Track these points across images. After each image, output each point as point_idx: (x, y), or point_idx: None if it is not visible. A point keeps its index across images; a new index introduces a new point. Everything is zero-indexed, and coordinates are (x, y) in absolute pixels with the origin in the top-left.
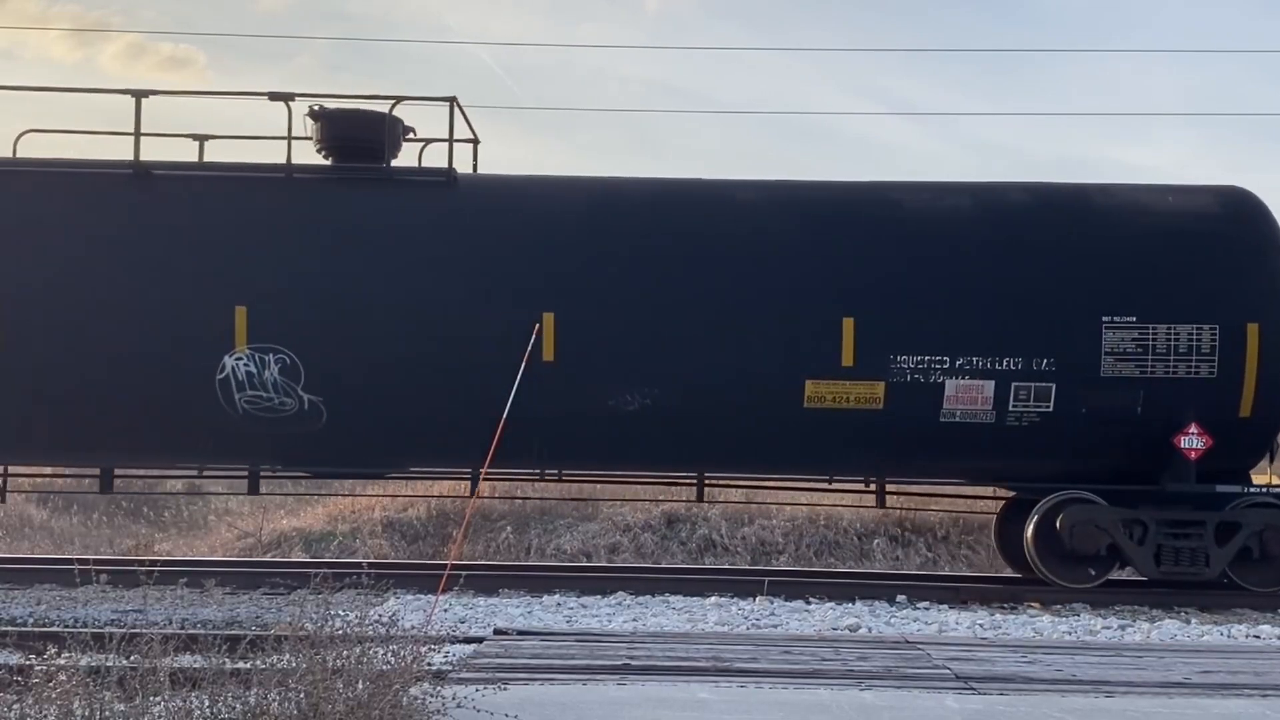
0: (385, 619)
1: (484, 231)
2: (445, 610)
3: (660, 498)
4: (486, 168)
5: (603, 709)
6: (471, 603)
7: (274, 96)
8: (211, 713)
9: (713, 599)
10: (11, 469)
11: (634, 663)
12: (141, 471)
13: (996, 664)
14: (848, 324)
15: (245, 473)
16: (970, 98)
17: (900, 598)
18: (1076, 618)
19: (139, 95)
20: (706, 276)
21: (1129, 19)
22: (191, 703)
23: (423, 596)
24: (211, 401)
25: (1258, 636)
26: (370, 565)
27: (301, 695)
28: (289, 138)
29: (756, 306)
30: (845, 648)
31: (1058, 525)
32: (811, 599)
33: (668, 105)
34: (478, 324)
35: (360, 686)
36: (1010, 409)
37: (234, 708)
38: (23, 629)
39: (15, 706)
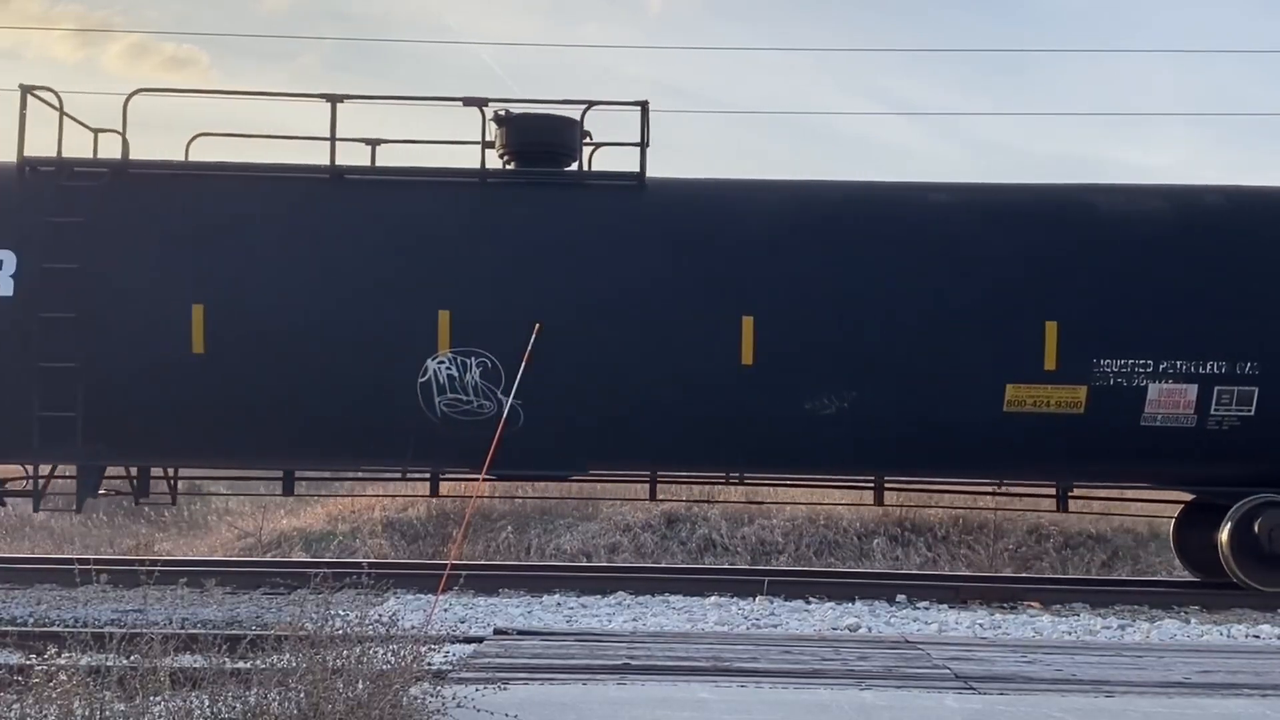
0: (385, 619)
1: (676, 234)
2: (445, 610)
3: (660, 497)
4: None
5: (603, 709)
6: (471, 603)
7: (468, 102)
8: (211, 713)
9: (713, 599)
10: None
11: (634, 663)
12: (315, 474)
13: (996, 664)
14: (1050, 327)
15: (415, 473)
16: (970, 98)
17: (900, 597)
18: (1076, 618)
19: (334, 100)
20: (904, 279)
21: (1129, 19)
22: (191, 703)
23: (423, 596)
24: (411, 405)
25: (1258, 636)
26: (370, 565)
27: (301, 695)
28: (482, 143)
29: (955, 310)
30: (845, 647)
31: (1255, 529)
32: (811, 599)
33: (670, 105)
34: (675, 326)
35: (360, 686)
36: (1212, 413)
37: (234, 708)
38: (23, 629)
39: (15, 706)
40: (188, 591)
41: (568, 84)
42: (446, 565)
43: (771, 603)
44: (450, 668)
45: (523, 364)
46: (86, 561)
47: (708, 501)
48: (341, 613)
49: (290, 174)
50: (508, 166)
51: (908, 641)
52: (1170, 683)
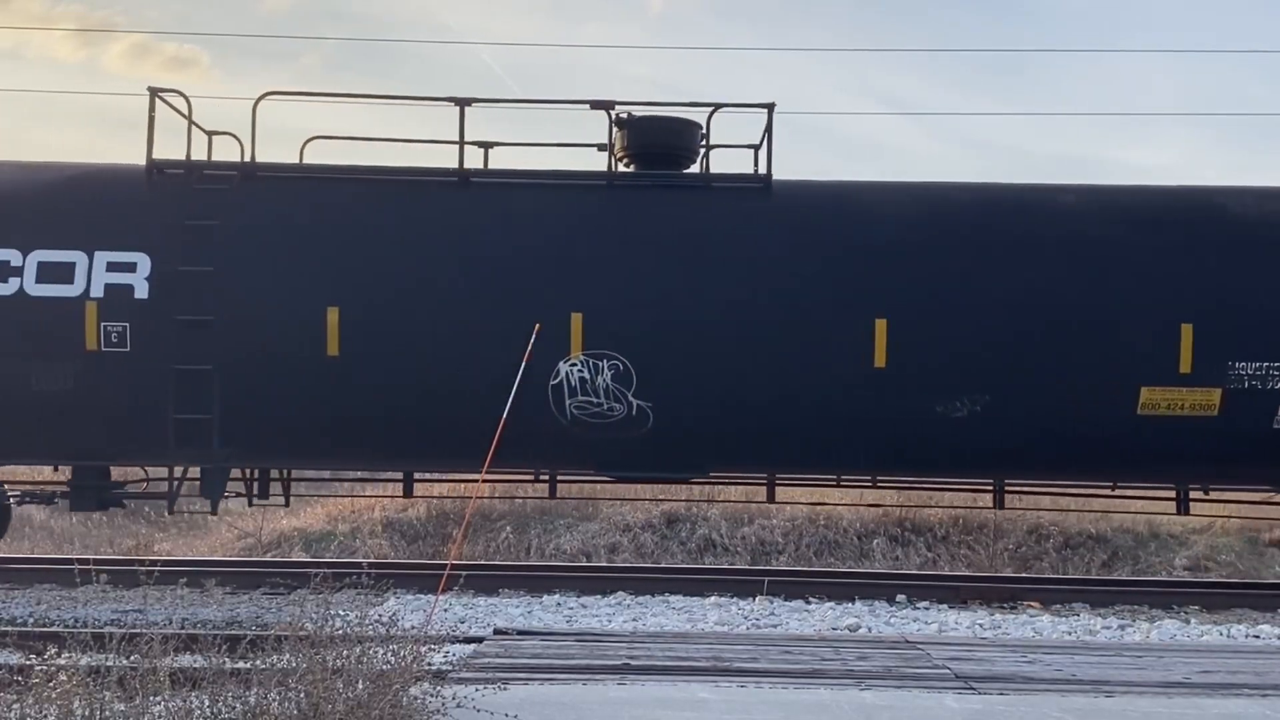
0: (385, 619)
1: (804, 236)
2: (445, 610)
3: (660, 497)
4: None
5: (603, 709)
6: (471, 603)
7: (595, 105)
8: (211, 713)
9: (713, 599)
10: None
11: (634, 663)
12: (438, 476)
13: (996, 664)
14: (1186, 330)
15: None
16: (971, 97)
17: (900, 597)
18: (1076, 618)
19: (462, 104)
20: (1036, 281)
21: (1129, 19)
22: (191, 703)
23: (423, 596)
24: (541, 407)
25: (1258, 636)
26: (370, 565)
27: (301, 695)
28: (609, 147)
29: (1089, 312)
30: (845, 648)
31: None
32: (811, 599)
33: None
34: (805, 329)
35: (360, 686)
36: None
37: (234, 708)
38: (23, 629)
39: (15, 706)
40: (188, 591)
41: (569, 84)
42: (446, 565)
43: (771, 603)
44: (450, 668)
45: (523, 364)
46: (86, 561)
47: (708, 501)
48: (341, 613)
49: (417, 177)
50: (627, 169)
51: (908, 641)
52: (1170, 683)
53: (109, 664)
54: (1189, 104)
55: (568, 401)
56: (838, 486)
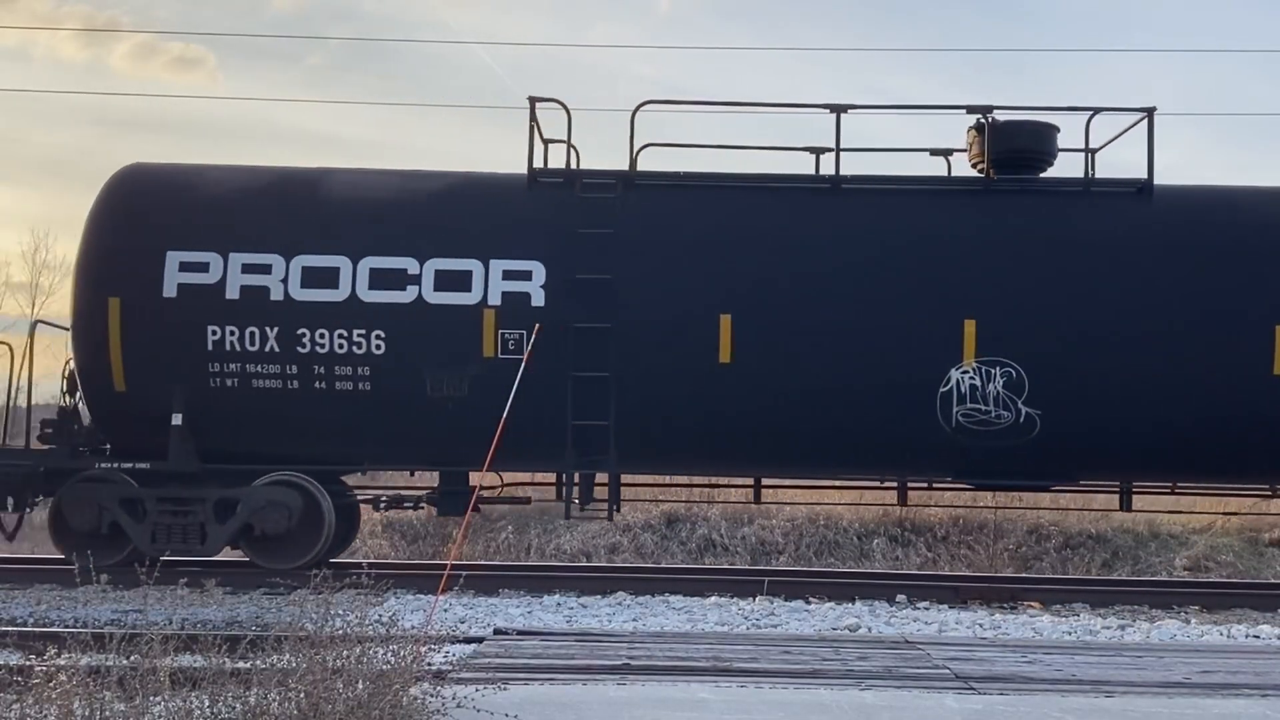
0: (385, 619)
1: (1190, 243)
2: (445, 610)
3: (660, 498)
4: (490, 168)
5: (603, 709)
6: (471, 603)
7: (972, 109)
8: (211, 713)
9: (713, 599)
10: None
11: (634, 663)
12: (789, 482)
13: (996, 664)
14: None
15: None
16: (971, 97)
17: (900, 598)
18: (1076, 618)
19: (838, 110)
20: None
21: (1129, 18)
22: (191, 703)
23: (423, 596)
24: (927, 415)
25: (1258, 636)
26: (370, 565)
27: (301, 695)
28: (986, 152)
29: None
30: (845, 648)
31: None
32: (811, 599)
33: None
34: (1191, 334)
35: (360, 686)
36: None
37: (234, 708)
38: (23, 629)
39: (15, 706)
40: (188, 591)
41: (571, 84)
42: (446, 565)
43: (771, 603)
44: (450, 668)
45: (522, 366)
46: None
47: (708, 501)
48: (341, 613)
49: (791, 184)
50: (985, 174)
51: (908, 641)
52: (1170, 683)
53: (109, 664)
54: (1189, 104)
55: (955, 409)
56: (836, 488)
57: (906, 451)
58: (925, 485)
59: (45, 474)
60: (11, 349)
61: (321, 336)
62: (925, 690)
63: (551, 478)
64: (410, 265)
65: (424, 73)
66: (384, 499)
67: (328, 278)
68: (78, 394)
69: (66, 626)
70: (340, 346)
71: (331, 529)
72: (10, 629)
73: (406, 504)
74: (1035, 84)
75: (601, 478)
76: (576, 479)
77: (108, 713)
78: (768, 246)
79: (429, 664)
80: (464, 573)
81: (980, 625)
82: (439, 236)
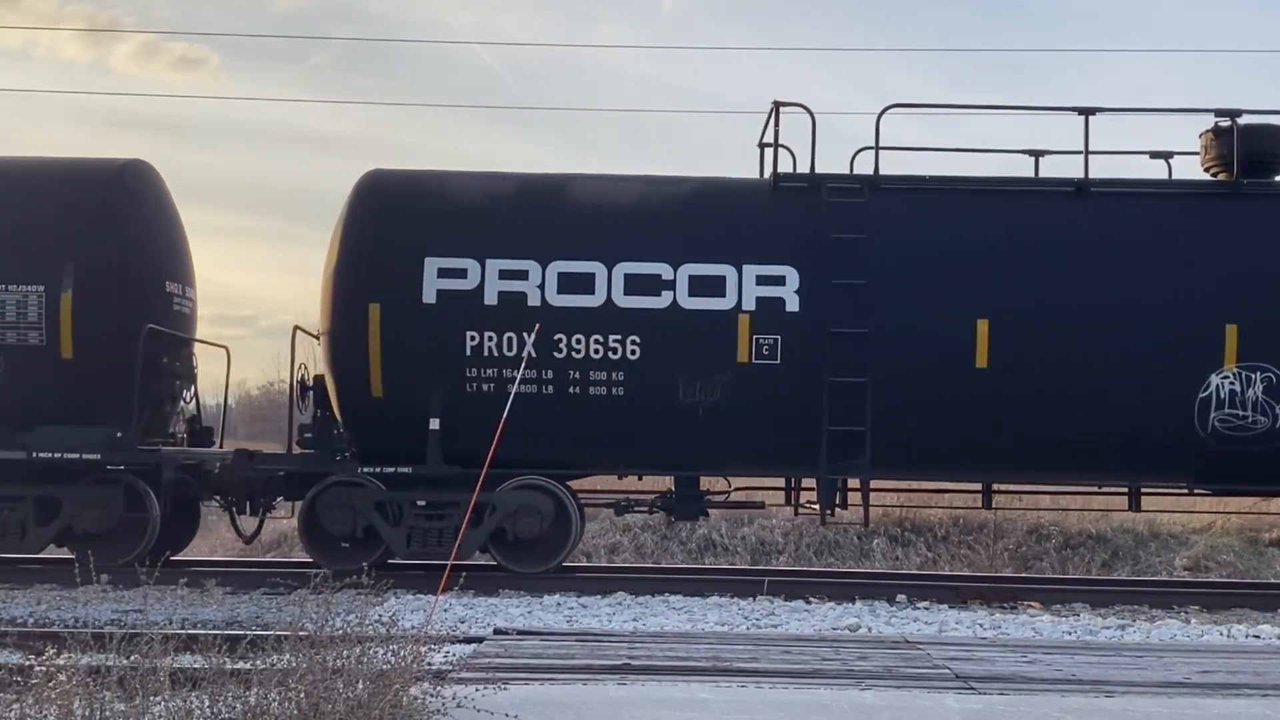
0: (385, 619)
1: None
2: (445, 610)
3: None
4: (491, 169)
5: (603, 709)
6: (471, 603)
7: (1220, 113)
8: (211, 713)
9: (713, 599)
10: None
11: (634, 663)
12: (1023, 488)
13: (996, 664)
14: None
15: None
16: (971, 96)
17: (900, 597)
18: (1076, 618)
19: (1087, 113)
20: None
21: (1130, 18)
22: (191, 703)
23: (423, 596)
24: (1183, 420)
25: (1258, 636)
26: (370, 565)
27: (301, 695)
28: (1239, 156)
29: None
30: (845, 648)
31: None
32: (811, 599)
33: (679, 105)
34: None
35: (360, 686)
36: None
37: (234, 708)
38: (23, 629)
39: (15, 706)
40: (188, 591)
41: (573, 84)
42: (447, 565)
43: (771, 603)
44: (450, 668)
45: (521, 367)
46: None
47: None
48: (341, 613)
49: (1036, 187)
50: (1216, 177)
51: (908, 641)
52: (1170, 683)
53: (109, 664)
54: (1189, 104)
55: (1212, 415)
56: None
57: (1153, 456)
58: (1162, 490)
59: (300, 479)
60: (229, 351)
61: (578, 342)
62: (925, 690)
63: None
64: (664, 271)
65: (426, 72)
66: (619, 503)
67: (583, 283)
68: (306, 397)
69: (66, 626)
70: (596, 352)
71: (579, 533)
72: (10, 629)
73: (640, 508)
74: (1035, 84)
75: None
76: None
77: (108, 713)
78: (1022, 251)
79: (429, 664)
80: (464, 573)
81: (980, 625)
82: (691, 242)
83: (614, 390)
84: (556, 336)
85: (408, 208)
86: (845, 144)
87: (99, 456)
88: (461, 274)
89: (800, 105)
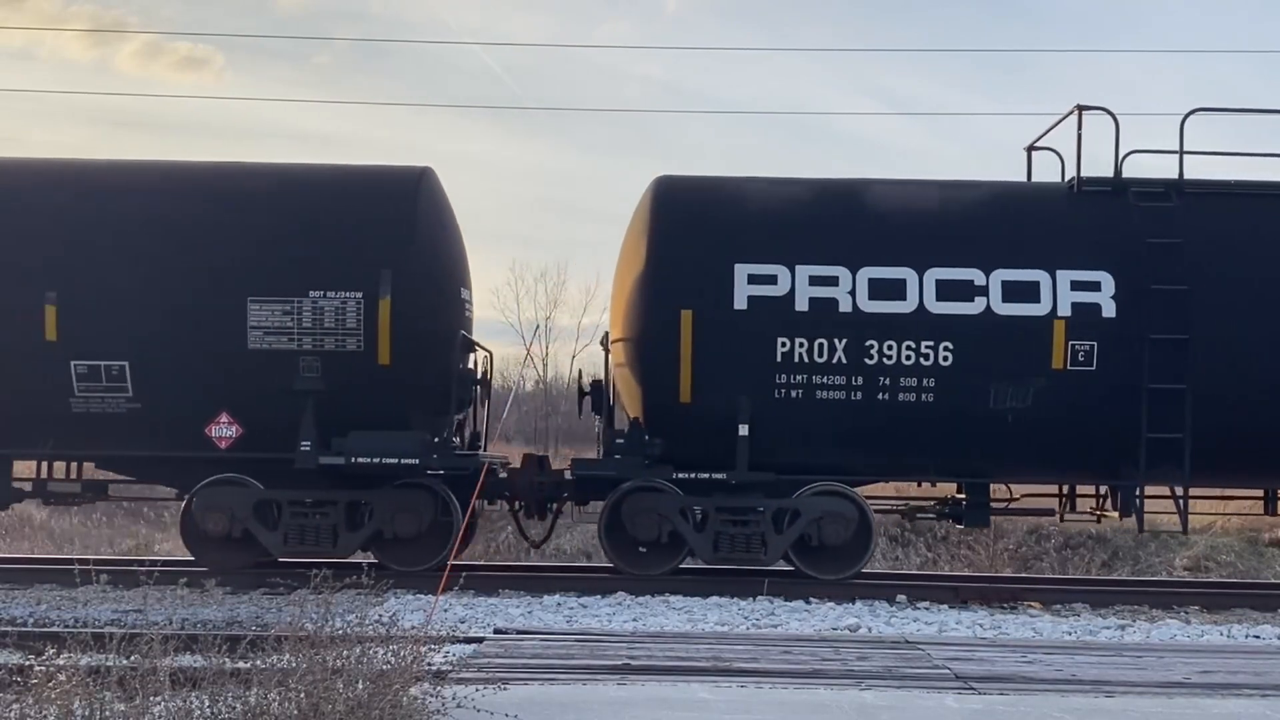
0: (385, 619)
1: None
2: (445, 610)
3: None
4: (491, 169)
5: (603, 709)
6: (471, 603)
7: None
8: (211, 713)
9: (713, 599)
10: None
11: (634, 663)
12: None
13: (996, 664)
14: None
15: None
16: (972, 96)
17: (900, 598)
18: (1077, 618)
19: None
20: None
21: (1131, 18)
22: (191, 703)
23: (423, 596)
24: None
25: (1258, 636)
26: (370, 565)
27: (301, 695)
28: None
29: None
30: (845, 648)
31: None
32: (811, 599)
33: (679, 105)
34: None
35: (360, 686)
36: None
37: (234, 708)
38: (23, 629)
39: (15, 706)
40: (188, 591)
41: (575, 84)
42: (447, 565)
43: (771, 603)
44: (450, 668)
45: (522, 367)
46: (86, 561)
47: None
48: (341, 613)
49: None
50: None
51: (908, 642)
52: (1170, 683)
53: (109, 664)
54: (1190, 103)
55: None
56: None
57: None
58: None
59: (595, 484)
60: (491, 355)
61: (889, 348)
62: (925, 690)
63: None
64: (976, 276)
65: (428, 73)
66: (905, 509)
67: (894, 289)
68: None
69: (66, 626)
70: (907, 358)
71: (877, 540)
72: (10, 629)
73: (927, 514)
74: (1035, 84)
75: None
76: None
77: (108, 713)
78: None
79: (429, 664)
80: (464, 573)
81: (980, 625)
82: (1003, 246)
83: (923, 397)
84: (868, 343)
85: (714, 214)
86: (840, 145)
87: (417, 461)
88: (771, 280)
89: (1103, 109)
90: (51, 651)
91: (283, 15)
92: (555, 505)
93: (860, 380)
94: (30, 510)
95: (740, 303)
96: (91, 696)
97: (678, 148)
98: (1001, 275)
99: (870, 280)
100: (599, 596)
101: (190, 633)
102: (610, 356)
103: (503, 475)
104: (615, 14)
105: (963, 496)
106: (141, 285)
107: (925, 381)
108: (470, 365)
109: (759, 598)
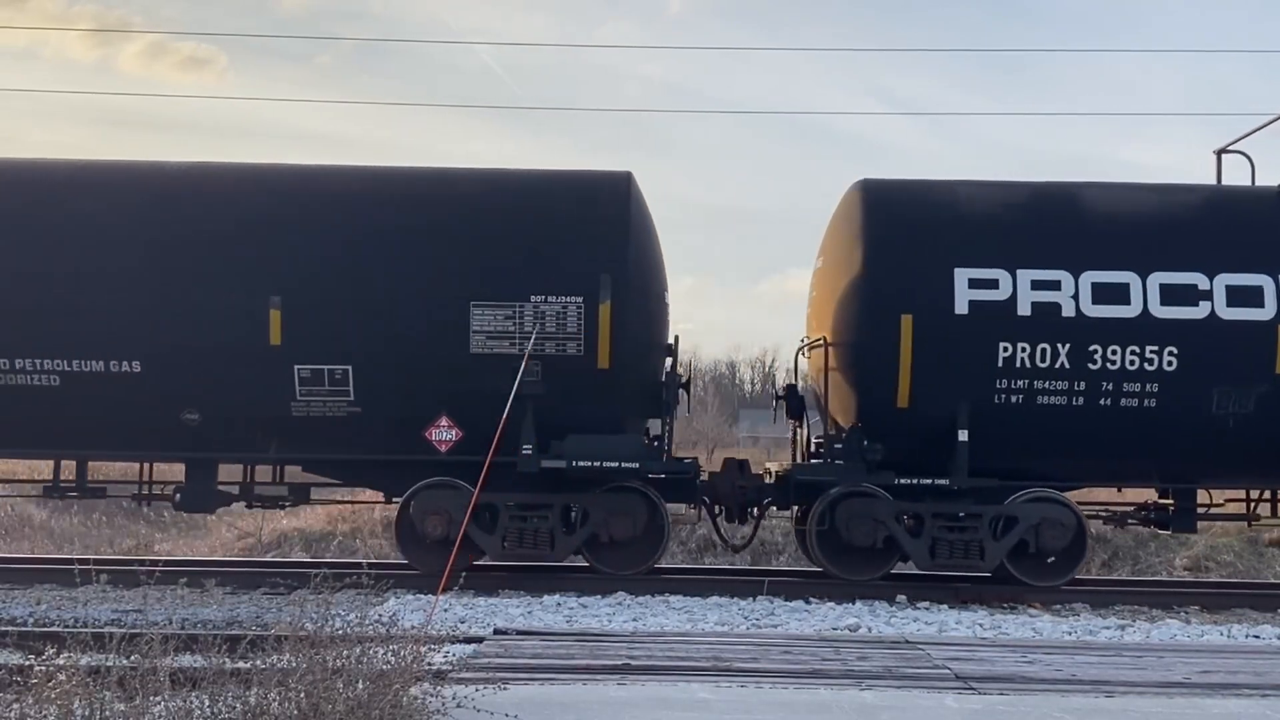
0: (385, 619)
1: None
2: (445, 610)
3: None
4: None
5: (603, 709)
6: (471, 603)
7: None
8: (211, 713)
9: (713, 599)
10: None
11: (634, 663)
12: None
13: (996, 664)
14: None
15: None
16: (973, 96)
17: (900, 598)
18: (1076, 618)
19: None
20: None
21: (1131, 19)
22: (191, 703)
23: (423, 596)
24: None
25: (1258, 636)
26: (370, 565)
27: (301, 695)
28: None
29: None
30: (845, 648)
31: None
32: (811, 599)
33: (681, 105)
34: None
35: (360, 686)
36: None
37: (234, 708)
38: (23, 629)
39: (15, 706)
40: (188, 591)
41: (576, 84)
42: (447, 565)
43: (771, 603)
44: (450, 668)
45: (522, 365)
46: (86, 561)
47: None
48: (341, 613)
49: None
50: None
51: (908, 642)
52: (1170, 683)
53: (109, 664)
54: (1189, 104)
55: None
56: None
57: None
58: None
59: (802, 489)
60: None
61: (1113, 353)
62: (925, 690)
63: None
64: (1200, 280)
65: (429, 73)
66: (1111, 515)
67: (1118, 294)
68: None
69: (66, 626)
70: (1131, 363)
71: (1091, 547)
72: (10, 629)
73: (1134, 520)
74: (1035, 84)
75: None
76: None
77: (108, 713)
78: None
79: (429, 664)
80: (464, 572)
81: (980, 625)
82: (1223, 251)
83: (1146, 402)
84: (1091, 348)
85: (931, 219)
86: (840, 145)
87: (638, 465)
88: (993, 285)
89: None
90: (51, 651)
91: (285, 15)
92: (755, 509)
93: (1083, 385)
94: (30, 510)
95: (961, 307)
96: (91, 696)
97: (679, 148)
98: (1225, 280)
99: (1094, 285)
100: (599, 596)
101: (190, 633)
102: (808, 361)
103: (703, 479)
104: (618, 14)
105: (1168, 502)
106: (364, 290)
107: (1148, 386)
108: (671, 368)
109: (759, 598)
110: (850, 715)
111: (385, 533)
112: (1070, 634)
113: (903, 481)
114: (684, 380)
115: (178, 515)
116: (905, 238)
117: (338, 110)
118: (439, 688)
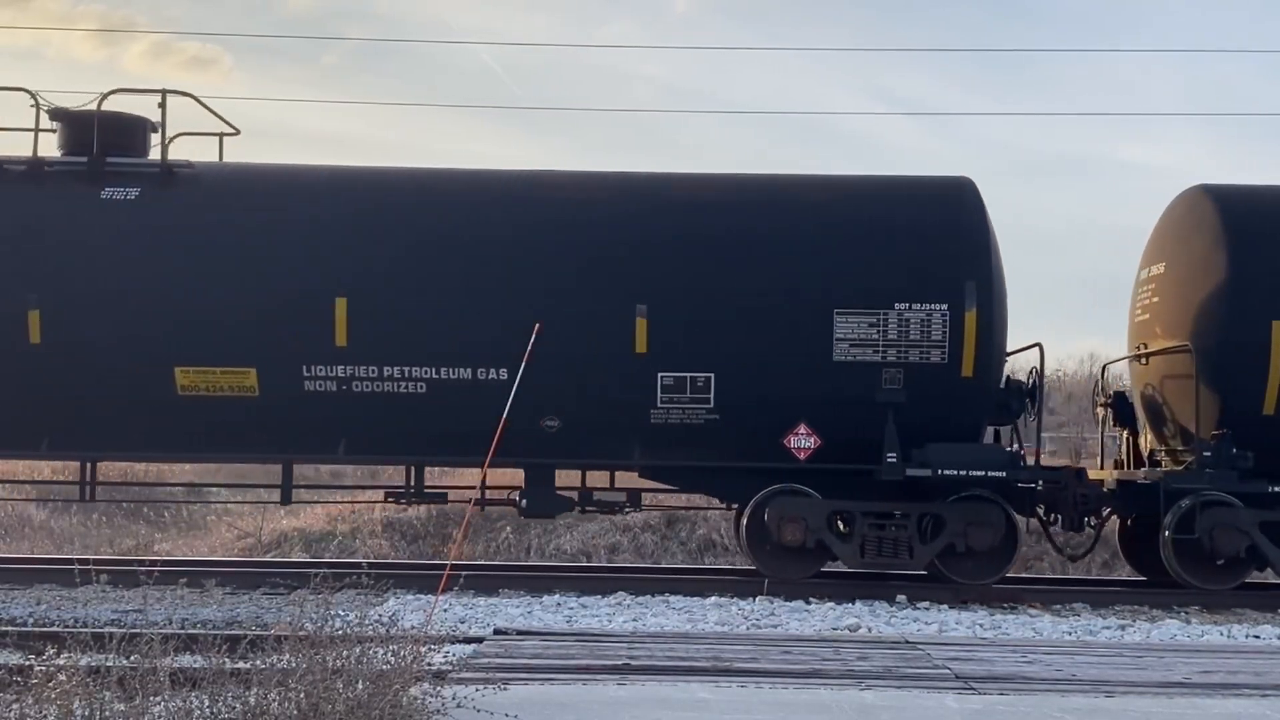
0: (385, 619)
1: None
2: (445, 610)
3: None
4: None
5: (603, 709)
6: (471, 603)
7: None
8: (211, 713)
9: (713, 599)
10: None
11: (634, 663)
12: None
13: (996, 664)
14: None
15: None
16: (973, 96)
17: (900, 598)
18: (1077, 618)
19: None
20: None
21: (1131, 18)
22: (191, 703)
23: (423, 596)
24: None
25: (1258, 636)
26: (370, 565)
27: (301, 695)
28: None
29: None
30: (845, 648)
31: None
32: (811, 599)
33: (682, 105)
34: None
35: (360, 686)
36: None
37: (234, 708)
38: (23, 629)
39: (15, 706)
40: (188, 591)
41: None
42: (446, 565)
43: (771, 603)
44: (450, 668)
45: (523, 365)
46: (86, 561)
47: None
48: (341, 613)
49: None
50: None
51: (908, 642)
52: (1170, 683)
53: (109, 664)
54: (1189, 104)
55: None
56: None
57: None
58: None
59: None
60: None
61: None
62: (925, 690)
63: None
64: None
65: (432, 72)
66: None
67: None
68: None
69: (66, 626)
70: None
71: None
72: (10, 629)
73: None
74: (1035, 84)
75: None
76: None
77: (108, 713)
78: None
79: (429, 664)
80: (464, 572)
81: (980, 625)
82: None
83: None
84: None
85: None
86: (841, 144)
87: (1004, 474)
88: None
89: None
90: (51, 651)
91: (290, 15)
92: (1093, 518)
93: None
94: (30, 510)
95: None
96: (91, 696)
97: (678, 148)
98: None
99: None
100: (599, 596)
101: (190, 633)
102: (1142, 367)
103: (1040, 488)
104: (622, 14)
105: None
106: (728, 298)
107: None
108: (1031, 374)
109: (759, 598)
110: (850, 715)
111: (385, 533)
112: (1070, 634)
113: (1275, 489)
114: (1031, 386)
115: (178, 515)
116: (1271, 242)
117: (344, 110)
118: (439, 688)
